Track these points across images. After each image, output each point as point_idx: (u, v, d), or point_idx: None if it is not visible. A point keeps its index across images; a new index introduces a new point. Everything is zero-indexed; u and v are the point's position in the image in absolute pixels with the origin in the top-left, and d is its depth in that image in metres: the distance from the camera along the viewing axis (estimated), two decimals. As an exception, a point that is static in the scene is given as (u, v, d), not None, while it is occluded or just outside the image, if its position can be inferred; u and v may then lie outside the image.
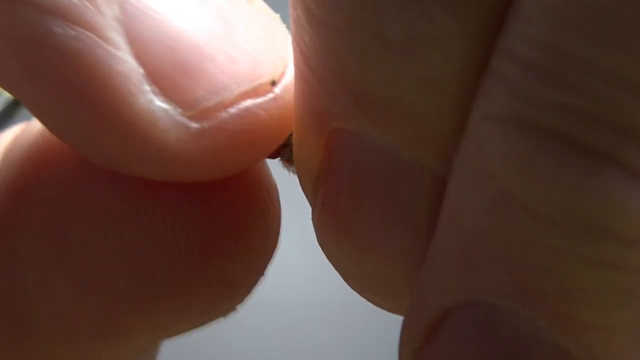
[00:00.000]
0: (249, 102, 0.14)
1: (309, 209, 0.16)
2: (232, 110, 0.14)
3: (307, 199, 0.16)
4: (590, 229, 0.12)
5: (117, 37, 0.14)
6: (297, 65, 0.15)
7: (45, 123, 0.14)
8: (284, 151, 0.16)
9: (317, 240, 0.15)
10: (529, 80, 0.12)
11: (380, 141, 0.13)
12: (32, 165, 0.16)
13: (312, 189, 0.15)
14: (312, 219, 0.15)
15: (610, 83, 0.11)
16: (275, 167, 0.17)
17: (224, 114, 0.14)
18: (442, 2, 0.12)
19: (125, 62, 0.14)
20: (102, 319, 0.16)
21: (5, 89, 0.14)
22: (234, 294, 0.16)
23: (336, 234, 0.15)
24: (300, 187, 0.16)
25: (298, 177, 0.16)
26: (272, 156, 0.17)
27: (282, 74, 0.15)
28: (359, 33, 0.13)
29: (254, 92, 0.15)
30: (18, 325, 0.16)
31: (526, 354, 0.12)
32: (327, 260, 0.16)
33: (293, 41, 0.14)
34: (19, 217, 0.16)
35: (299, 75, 0.15)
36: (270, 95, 0.15)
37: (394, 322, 0.16)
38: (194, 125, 0.14)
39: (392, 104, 0.13)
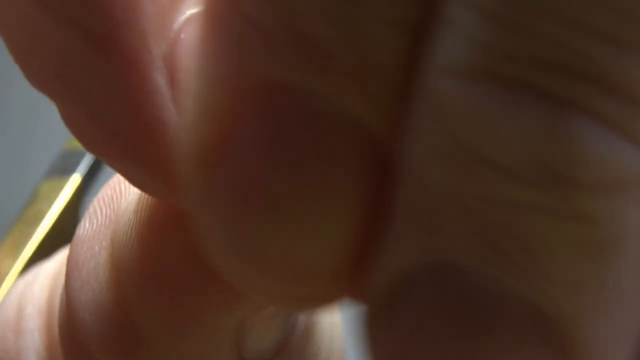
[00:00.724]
0: None
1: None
2: None
3: (183, 185, 0.13)
4: (555, 179, 0.11)
5: (161, 80, 0.14)
6: (214, 12, 0.13)
7: (77, 138, 0.15)
8: None
9: (211, 228, 0.13)
10: (484, 27, 0.11)
11: (331, 101, 0.12)
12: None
13: (202, 170, 0.13)
14: (200, 211, 0.13)
15: (573, 29, 0.11)
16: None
17: None
18: None
19: (165, 108, 0.14)
20: (179, 312, 0.16)
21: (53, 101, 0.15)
22: None
23: (249, 217, 0.12)
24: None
25: (177, 160, 0.14)
26: None
27: None
28: None
29: None
30: (121, 335, 0.17)
31: (495, 311, 0.12)
32: None
33: None
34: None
35: (215, 25, 0.12)
36: None
37: None
38: None
39: (343, 51, 0.11)
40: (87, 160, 0.32)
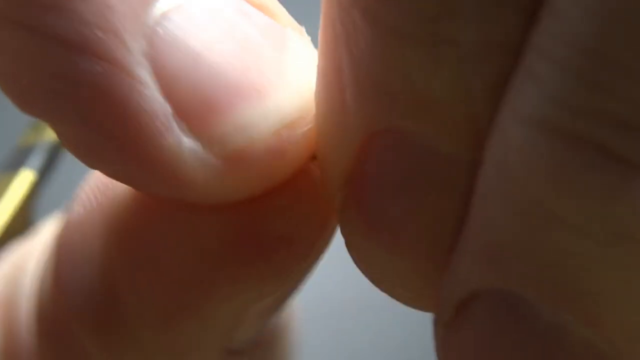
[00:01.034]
0: (278, 139, 0.15)
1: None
2: (261, 148, 0.14)
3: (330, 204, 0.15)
4: (618, 237, 0.12)
5: (144, 73, 0.14)
6: (338, 69, 0.14)
7: (76, 155, 0.15)
8: None
9: (347, 243, 0.15)
10: (560, 82, 0.11)
11: (430, 141, 0.13)
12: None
13: (341, 193, 0.15)
14: (340, 222, 0.15)
15: None
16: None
17: (252, 152, 0.14)
18: (516, 7, 0.12)
19: (152, 99, 0.14)
20: (176, 300, 0.16)
21: (44, 120, 0.15)
22: (293, 250, 0.16)
23: (371, 235, 0.14)
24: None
25: (322, 181, 0.16)
26: None
27: (310, 104, 0.15)
28: (431, 39, 0.12)
29: (283, 128, 0.15)
30: (106, 315, 0.17)
31: (552, 342, 0.13)
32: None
33: (338, 43, 0.14)
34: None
35: (341, 79, 0.14)
36: (299, 130, 0.15)
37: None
38: (221, 164, 0.14)
39: (454, 106, 0.13)
40: (40, 156, 0.31)
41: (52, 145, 0.32)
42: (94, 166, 0.15)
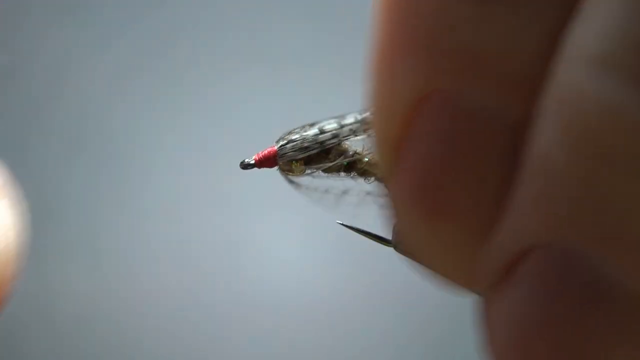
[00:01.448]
0: None
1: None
2: None
3: (379, 170, 0.16)
4: None
5: None
6: (392, 33, 0.14)
7: None
8: (281, 161, 0.17)
9: (393, 210, 0.15)
10: (623, 20, 0.11)
11: (478, 101, 0.14)
12: None
13: (392, 157, 0.15)
14: (388, 188, 0.15)
15: None
16: (274, 173, 0.18)
17: None
18: None
19: None
20: None
21: None
22: None
23: (418, 201, 0.15)
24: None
25: (376, 146, 0.16)
26: (271, 165, 0.18)
27: None
28: None
29: None
30: None
31: (602, 298, 0.12)
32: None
33: (394, 6, 0.14)
34: None
35: (393, 43, 0.14)
36: None
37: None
38: None
39: (505, 62, 0.13)
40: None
41: None
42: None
